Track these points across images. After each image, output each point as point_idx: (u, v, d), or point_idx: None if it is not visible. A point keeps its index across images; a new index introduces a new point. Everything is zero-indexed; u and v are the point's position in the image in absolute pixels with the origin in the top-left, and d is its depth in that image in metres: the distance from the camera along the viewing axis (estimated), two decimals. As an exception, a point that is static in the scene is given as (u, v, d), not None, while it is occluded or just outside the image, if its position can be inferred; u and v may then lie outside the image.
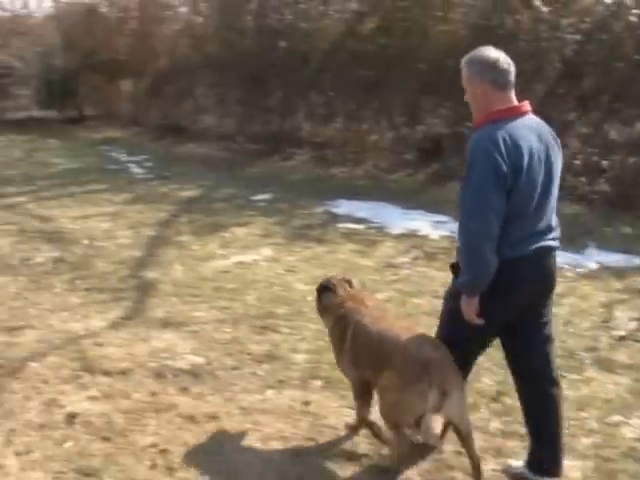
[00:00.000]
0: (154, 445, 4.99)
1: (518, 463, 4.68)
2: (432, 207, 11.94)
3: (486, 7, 14.30)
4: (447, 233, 10.35)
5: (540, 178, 4.16)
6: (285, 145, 17.72)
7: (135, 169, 16.55)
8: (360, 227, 11.00)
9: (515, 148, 4.06)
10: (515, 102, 4.25)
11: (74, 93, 26.01)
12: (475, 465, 4.47)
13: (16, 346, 6.66)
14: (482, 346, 4.56)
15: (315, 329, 6.76)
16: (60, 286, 8.33)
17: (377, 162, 15.85)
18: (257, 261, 9.28)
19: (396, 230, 10.79)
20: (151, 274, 8.74)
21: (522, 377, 4.53)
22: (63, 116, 26.55)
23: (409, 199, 12.70)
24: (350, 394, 5.12)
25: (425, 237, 10.43)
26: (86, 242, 10.19)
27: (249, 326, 7.08)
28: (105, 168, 16.65)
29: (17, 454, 4.92)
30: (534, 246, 4.20)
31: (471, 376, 4.83)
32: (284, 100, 18.21)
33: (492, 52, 4.27)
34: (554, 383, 4.49)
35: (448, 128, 14.95)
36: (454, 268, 4.38)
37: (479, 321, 4.19)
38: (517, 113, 4.22)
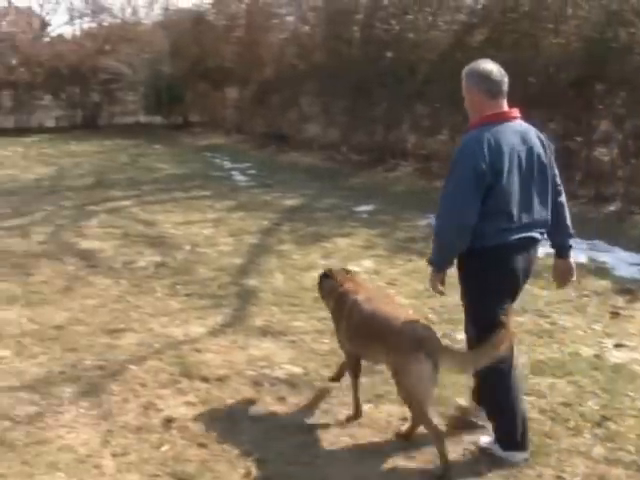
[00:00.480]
0: (249, 454, 5.01)
1: (487, 438, 5.11)
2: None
3: (600, 20, 13.98)
4: (551, 250, 10.07)
5: (521, 177, 4.75)
6: (389, 156, 17.68)
7: (238, 176, 16.75)
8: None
9: (497, 149, 4.67)
10: (505, 109, 4.87)
11: (180, 100, 26.56)
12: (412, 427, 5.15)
13: (116, 348, 6.83)
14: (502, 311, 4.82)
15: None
16: (161, 291, 8.50)
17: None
18: (358, 273, 9.16)
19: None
20: (251, 282, 8.82)
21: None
22: (169, 122, 27.18)
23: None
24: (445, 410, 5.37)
25: (530, 254, 10.14)
26: (188, 248, 10.38)
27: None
28: (209, 175, 16.92)
29: (114, 455, 5.03)
30: (518, 236, 4.76)
31: (575, 399, 4.72)
32: (389, 111, 18.14)
33: (487, 65, 4.94)
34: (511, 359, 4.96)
35: (556, 143, 14.63)
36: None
37: (442, 290, 4.91)
38: (505, 118, 4.84)
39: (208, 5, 26.79)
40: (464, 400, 5.60)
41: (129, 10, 35.96)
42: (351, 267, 9.01)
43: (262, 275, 9.07)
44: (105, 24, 37.26)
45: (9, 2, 66.73)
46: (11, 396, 5.86)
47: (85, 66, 26.72)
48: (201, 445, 5.13)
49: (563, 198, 5.11)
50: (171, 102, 26.36)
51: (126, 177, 16.49)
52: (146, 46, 27.99)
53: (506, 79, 4.89)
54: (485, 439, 5.14)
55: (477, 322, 4.94)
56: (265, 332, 7.11)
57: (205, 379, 6.15)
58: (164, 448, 5.11)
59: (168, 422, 5.44)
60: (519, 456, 4.95)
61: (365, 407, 5.63)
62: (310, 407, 5.71)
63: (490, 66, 4.95)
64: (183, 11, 29.54)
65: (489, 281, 4.81)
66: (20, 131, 25.81)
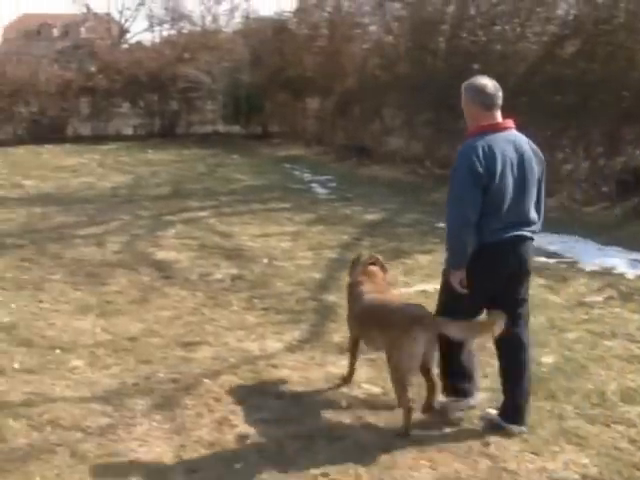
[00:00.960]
0: (325, 474, 5.02)
1: (493, 412, 5.81)
2: (630, 244, 11.42)
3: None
4: (641, 272, 9.94)
5: (513, 180, 5.49)
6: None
7: (318, 189, 16.80)
8: (551, 261, 10.65)
9: (491, 154, 5.40)
10: (499, 119, 5.62)
11: (259, 109, 26.71)
12: (432, 386, 5.87)
13: (191, 362, 6.91)
14: (473, 314, 5.70)
15: (496, 365, 6.61)
16: (237, 304, 8.57)
17: (571, 193, 15.35)
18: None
19: (589, 267, 10.37)
20: (330, 298, 8.82)
21: (502, 345, 5.71)
22: (247, 132, 27.37)
23: (605, 234, 12.19)
24: (530, 437, 5.53)
25: (621, 276, 9.96)
26: (265, 261, 10.45)
27: (428, 358, 6.97)
28: (288, 186, 17.01)
29: (186, 471, 5.07)
30: (510, 234, 5.50)
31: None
32: (475, 124, 17.99)
33: (482, 80, 5.68)
34: (526, 349, 5.73)
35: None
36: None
37: (463, 290, 5.47)
38: (499, 128, 5.59)
39: (290, 14, 27.01)
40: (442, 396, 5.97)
41: (209, 18, 36.50)
42: (430, 285, 9.05)
43: (341, 291, 8.94)
44: (185, 31, 37.92)
45: (88, 9, 68.09)
46: (83, 407, 5.97)
47: (164, 74, 27.10)
48: (275, 463, 5.13)
49: (542, 206, 5.82)
50: (250, 112, 26.53)
51: (203, 187, 16.68)
52: (226, 54, 28.21)
53: (500, 93, 5.62)
54: (492, 411, 5.82)
55: (469, 312, 5.64)
56: (343, 349, 7.06)
57: (281, 396, 6.18)
58: (238, 465, 5.13)
59: (242, 438, 5.48)
60: (517, 429, 5.65)
61: (446, 430, 5.63)
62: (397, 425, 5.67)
63: (485, 81, 5.69)
64: (264, 19, 29.69)
65: (481, 273, 5.49)
66: (97, 139, 26.31)
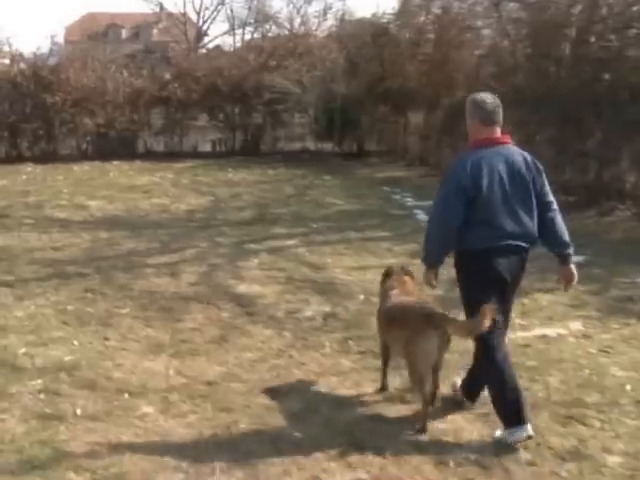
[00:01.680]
0: None
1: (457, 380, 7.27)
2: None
3: None
4: None
5: (502, 192, 6.53)
6: (604, 198, 17.20)
7: (421, 216, 16.69)
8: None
9: (478, 168, 6.51)
10: (496, 134, 6.69)
11: (355, 124, 26.71)
12: (432, 393, 6.84)
13: (277, 411, 6.94)
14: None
15: (634, 426, 6.51)
16: (330, 346, 8.59)
17: None
18: (564, 336, 8.98)
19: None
20: (436, 341, 8.75)
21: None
22: (341, 150, 27.46)
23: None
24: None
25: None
26: (362, 297, 10.44)
27: (551, 414, 6.91)
28: (387, 212, 17.05)
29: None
30: (500, 243, 6.52)
31: None
32: (604, 144, 17.70)
33: (482, 97, 6.75)
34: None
35: None
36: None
37: (434, 285, 6.90)
38: (493, 143, 6.66)
39: (391, 15, 26.99)
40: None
41: (298, 19, 36.94)
42: (552, 330, 8.92)
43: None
44: (270, 35, 38.41)
45: (161, 8, 69.29)
46: (154, 460, 6.03)
47: (247, 83, 27.48)
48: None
49: (553, 214, 6.77)
50: (344, 127, 26.53)
51: (291, 212, 16.84)
52: (317, 62, 28.41)
53: (499, 109, 6.68)
54: (498, 432, 6.48)
55: (469, 313, 6.72)
56: (451, 400, 7.04)
57: (379, 452, 6.15)
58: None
59: (335, 501, 5.46)
60: (522, 432, 6.30)
61: None
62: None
63: (484, 97, 6.75)
64: (361, 22, 29.68)
65: (474, 280, 6.64)
66: (171, 155, 26.81)
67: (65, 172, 22.58)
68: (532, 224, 6.65)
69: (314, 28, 34.98)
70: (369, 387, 7.46)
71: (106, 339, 8.77)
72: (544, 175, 6.78)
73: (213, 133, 28.89)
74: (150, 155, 26.72)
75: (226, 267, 12.10)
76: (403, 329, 6.77)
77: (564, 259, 6.88)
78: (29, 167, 23.82)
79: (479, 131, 6.70)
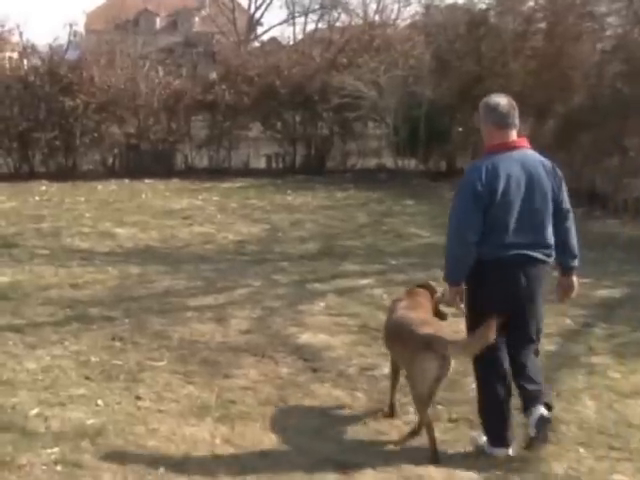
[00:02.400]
0: None
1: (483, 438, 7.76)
2: None
3: None
4: None
5: (518, 200, 7.42)
6: None
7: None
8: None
9: (494, 174, 7.36)
10: (511, 139, 7.57)
11: (444, 137, 26.63)
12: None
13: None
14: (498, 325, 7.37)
15: None
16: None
17: None
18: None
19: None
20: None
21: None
22: (427, 168, 27.32)
23: None
24: None
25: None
26: (451, 350, 10.38)
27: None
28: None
29: None
30: (513, 253, 7.42)
31: None
32: None
33: (496, 99, 7.66)
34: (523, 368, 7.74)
35: None
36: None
37: (460, 304, 7.74)
38: (508, 148, 7.53)
39: (491, 0, 26.79)
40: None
41: (373, 6, 36.88)
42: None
43: (564, 399, 8.90)
44: (339, 25, 38.36)
45: (204, -10, 69.49)
46: None
47: (311, 85, 27.51)
48: None
49: (569, 223, 7.77)
50: (431, 140, 26.43)
51: (365, 245, 16.94)
52: (398, 58, 28.08)
53: (514, 112, 7.58)
54: (483, 438, 7.71)
55: (470, 325, 7.73)
56: (568, 483, 6.93)
57: None
58: None
59: None
60: (502, 452, 7.56)
61: None
62: None
63: (497, 100, 7.66)
64: (453, 8, 29.17)
65: (484, 292, 7.52)
66: (216, 173, 26.99)
67: (87, 192, 22.86)
68: (548, 233, 7.61)
69: (393, 16, 35.01)
70: (462, 463, 7.42)
71: (138, 398, 8.83)
72: (563, 181, 7.73)
73: (268, 146, 28.98)
74: (191, 172, 26.97)
75: (285, 311, 12.17)
76: (404, 348, 7.86)
77: (568, 270, 7.90)
78: (43, 186, 24.19)
79: (493, 136, 7.63)
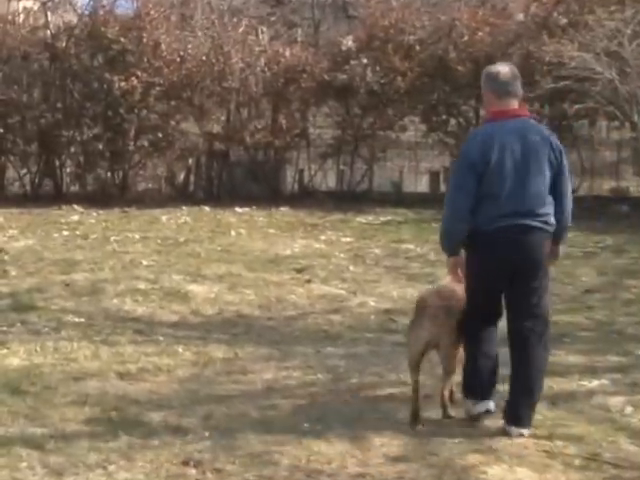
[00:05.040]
0: None
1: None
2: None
3: None
4: None
5: (514, 168, 10.61)
6: None
7: None
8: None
9: (489, 142, 10.62)
10: (510, 107, 10.90)
11: None
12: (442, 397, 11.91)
13: None
14: (492, 308, 11.39)
15: None
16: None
17: None
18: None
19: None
20: None
21: (511, 337, 11.29)
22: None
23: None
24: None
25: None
26: None
27: None
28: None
29: None
30: (507, 223, 10.56)
31: None
32: None
33: (496, 68, 11.15)
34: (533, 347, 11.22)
35: None
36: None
37: (460, 275, 11.21)
38: (506, 116, 10.85)
39: None
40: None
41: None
42: None
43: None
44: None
45: None
46: None
47: (506, 59, 27.30)
48: None
49: (565, 197, 10.91)
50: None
51: (594, 322, 17.04)
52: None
53: (515, 81, 10.83)
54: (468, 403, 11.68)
55: (467, 299, 11.24)
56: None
57: None
58: None
59: None
60: (481, 406, 11.36)
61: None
62: None
63: (497, 68, 11.03)
64: None
65: (477, 262, 10.86)
66: (349, 198, 27.16)
67: (144, 226, 23.14)
68: (546, 203, 10.83)
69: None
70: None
71: None
72: (563, 154, 10.86)
73: (434, 157, 28.89)
74: (309, 198, 27.10)
75: (461, 428, 11.81)
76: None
77: (561, 239, 11.27)
78: (75, 214, 24.46)
79: (492, 104, 11.12)
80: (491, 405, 11.33)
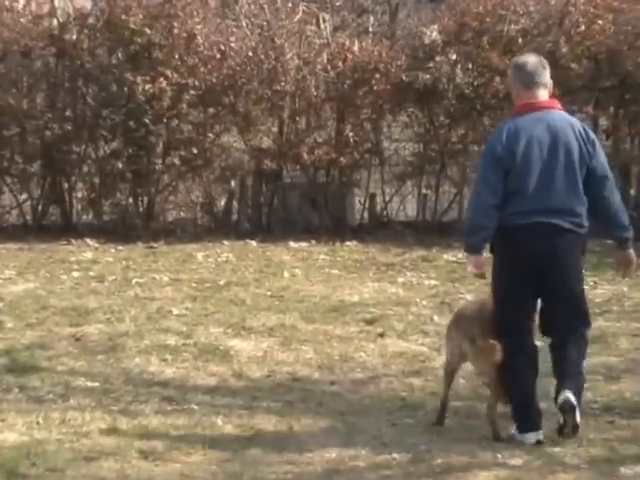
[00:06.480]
0: None
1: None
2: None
3: None
4: None
5: (541, 164, 12.84)
6: None
7: None
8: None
9: (515, 136, 12.95)
10: (538, 99, 13.24)
11: None
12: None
13: None
14: (523, 308, 13.41)
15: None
16: None
17: None
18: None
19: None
20: None
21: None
22: None
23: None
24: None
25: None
26: None
27: None
28: None
29: None
30: (531, 220, 12.72)
31: None
32: None
33: (523, 58, 14.05)
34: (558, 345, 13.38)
35: None
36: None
37: (479, 273, 13.72)
38: (533, 109, 13.20)
39: None
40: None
41: None
42: None
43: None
44: None
45: None
46: None
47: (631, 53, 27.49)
48: None
49: (608, 192, 12.67)
50: None
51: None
52: None
53: (543, 71, 12.94)
54: (513, 429, 13.43)
55: (494, 298, 13.40)
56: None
57: None
58: None
59: None
60: (532, 437, 13.13)
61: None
62: None
63: (525, 59, 13.38)
64: None
65: (501, 260, 12.86)
66: (433, 231, 27.34)
67: (175, 265, 23.25)
68: (577, 201, 12.57)
69: None
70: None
71: None
72: (597, 145, 12.62)
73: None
74: (381, 229, 27.17)
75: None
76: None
77: (621, 243, 12.80)
78: (88, 250, 24.59)
79: (520, 96, 13.04)
80: (540, 436, 12.85)
